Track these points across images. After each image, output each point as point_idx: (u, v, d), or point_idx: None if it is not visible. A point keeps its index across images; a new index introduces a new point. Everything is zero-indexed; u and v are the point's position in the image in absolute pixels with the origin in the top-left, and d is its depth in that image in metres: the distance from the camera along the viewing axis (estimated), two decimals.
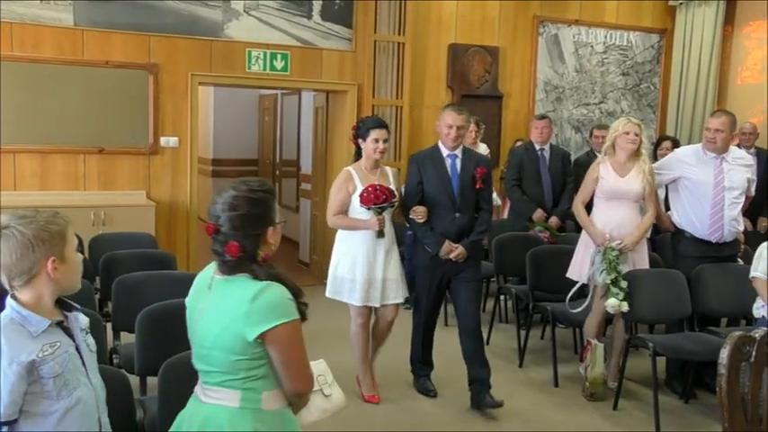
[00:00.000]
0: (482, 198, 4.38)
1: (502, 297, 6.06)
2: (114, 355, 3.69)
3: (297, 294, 2.04)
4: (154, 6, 6.41)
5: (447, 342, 4.72)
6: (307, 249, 8.28)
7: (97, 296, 4.33)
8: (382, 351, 4.53)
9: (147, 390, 3.32)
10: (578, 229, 4.98)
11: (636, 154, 4.51)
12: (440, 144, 4.39)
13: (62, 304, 2.04)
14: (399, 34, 7.18)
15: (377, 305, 4.32)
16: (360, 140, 4.33)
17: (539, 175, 6.04)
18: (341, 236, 4.37)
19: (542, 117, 6.29)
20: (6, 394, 1.84)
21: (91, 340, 2.10)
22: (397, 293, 4.34)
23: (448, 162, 4.33)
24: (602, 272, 4.37)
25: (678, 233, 4.72)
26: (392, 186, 4.26)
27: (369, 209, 4.15)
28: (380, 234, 4.22)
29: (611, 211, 4.51)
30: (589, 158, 6.24)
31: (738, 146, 5.66)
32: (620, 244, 4.40)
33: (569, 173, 6.12)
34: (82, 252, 4.27)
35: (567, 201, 5.82)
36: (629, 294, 4.30)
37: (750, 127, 6.48)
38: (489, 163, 4.68)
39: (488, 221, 4.49)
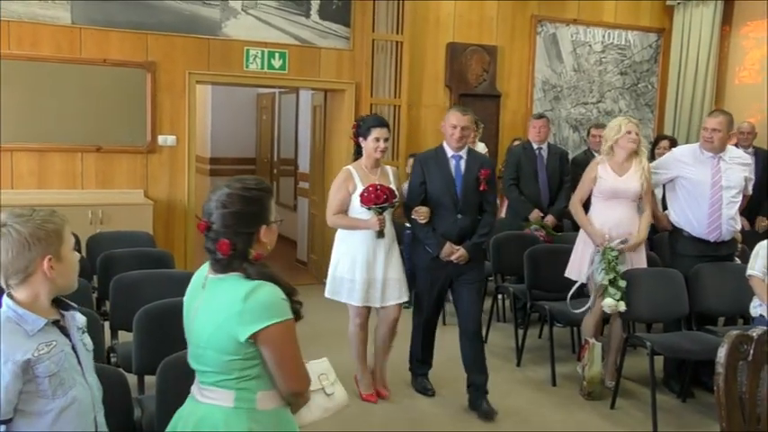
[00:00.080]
0: (486, 200, 4.32)
1: (499, 296, 6.07)
2: (112, 354, 3.69)
3: (290, 293, 2.02)
4: (152, 5, 6.40)
5: (446, 341, 4.72)
6: (304, 248, 8.28)
7: (95, 295, 4.32)
8: (375, 347, 4.48)
9: (144, 389, 3.32)
10: (575, 227, 4.98)
11: (634, 152, 4.52)
12: (445, 145, 4.34)
13: (59, 303, 2.04)
14: (397, 33, 7.18)
15: (377, 305, 4.30)
16: (360, 139, 4.29)
17: (536, 175, 6.04)
18: (341, 235, 4.35)
19: (540, 116, 6.29)
20: (1, 393, 1.83)
21: (87, 339, 2.10)
22: (398, 294, 4.30)
23: (452, 163, 4.29)
24: (600, 271, 4.37)
25: (676, 232, 4.72)
26: (392, 185, 4.23)
27: (369, 209, 4.12)
28: (380, 234, 4.19)
29: (610, 210, 4.51)
30: (586, 157, 6.24)
31: (736, 145, 5.67)
32: (620, 243, 4.40)
33: (566, 172, 6.12)
34: (79, 251, 4.28)
35: (564, 199, 5.82)
36: (627, 293, 4.30)
37: (748, 126, 6.49)
38: (493, 165, 4.65)
39: (492, 224, 4.42)
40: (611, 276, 4.30)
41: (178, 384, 2.30)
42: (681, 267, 4.58)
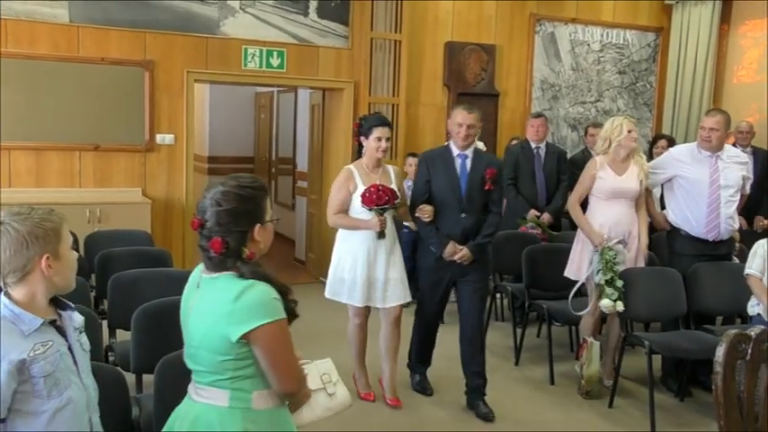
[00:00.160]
0: (491, 200, 4.24)
1: (498, 295, 6.07)
2: (110, 353, 3.68)
3: (284, 293, 1.99)
4: (150, 3, 6.39)
5: (446, 341, 4.70)
6: (303, 247, 8.27)
7: (93, 294, 4.32)
8: (380, 350, 4.43)
9: (142, 387, 3.32)
10: (573, 227, 4.98)
11: (633, 151, 4.53)
12: (451, 143, 4.31)
13: (57, 303, 2.03)
14: (396, 32, 7.17)
15: (378, 306, 4.27)
16: (362, 138, 4.23)
17: (533, 174, 6.04)
18: (341, 235, 4.30)
19: (538, 115, 6.29)
20: None
21: (84, 340, 2.08)
22: (401, 294, 4.25)
23: (458, 162, 4.24)
24: (598, 272, 4.37)
25: (674, 231, 4.72)
26: (394, 185, 4.17)
27: (370, 209, 4.07)
28: (381, 235, 4.14)
29: (608, 209, 4.51)
30: (584, 157, 6.24)
31: (735, 145, 5.68)
32: (617, 242, 4.40)
33: (564, 171, 6.12)
34: (77, 249, 4.26)
35: (561, 198, 5.83)
36: (625, 293, 4.30)
37: (746, 126, 6.50)
38: (500, 164, 4.61)
39: (497, 224, 4.32)
40: (609, 276, 4.30)
41: (176, 383, 2.29)
42: (679, 267, 4.58)
